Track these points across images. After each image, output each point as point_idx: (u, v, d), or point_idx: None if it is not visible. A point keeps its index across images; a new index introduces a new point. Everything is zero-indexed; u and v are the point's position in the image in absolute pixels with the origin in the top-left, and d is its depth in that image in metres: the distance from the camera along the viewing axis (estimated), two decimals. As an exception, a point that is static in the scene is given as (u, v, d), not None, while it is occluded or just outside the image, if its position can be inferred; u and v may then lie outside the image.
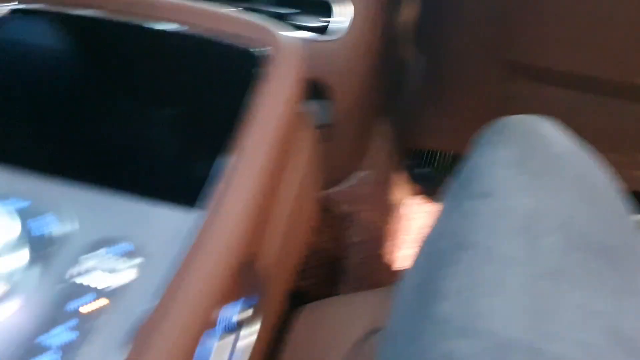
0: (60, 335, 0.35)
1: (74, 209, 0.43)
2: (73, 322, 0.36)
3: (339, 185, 0.95)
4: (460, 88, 1.03)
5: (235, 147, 0.46)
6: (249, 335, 0.48)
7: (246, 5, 0.77)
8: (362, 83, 0.84)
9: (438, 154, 1.30)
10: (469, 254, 0.46)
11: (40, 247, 0.40)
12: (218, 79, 0.51)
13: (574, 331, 0.40)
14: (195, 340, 0.39)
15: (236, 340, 0.46)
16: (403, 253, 1.14)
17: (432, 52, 1.03)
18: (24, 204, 0.42)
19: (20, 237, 0.37)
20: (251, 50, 0.51)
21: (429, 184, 1.27)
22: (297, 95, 0.51)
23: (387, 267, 1.06)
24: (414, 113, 1.15)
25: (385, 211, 1.09)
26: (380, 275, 1.03)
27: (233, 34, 0.52)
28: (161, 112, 0.50)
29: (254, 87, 0.48)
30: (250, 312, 0.46)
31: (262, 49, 0.51)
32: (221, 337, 0.43)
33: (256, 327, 0.49)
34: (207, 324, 0.41)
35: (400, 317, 0.47)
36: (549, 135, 0.56)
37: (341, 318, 0.58)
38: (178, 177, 0.45)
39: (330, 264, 0.90)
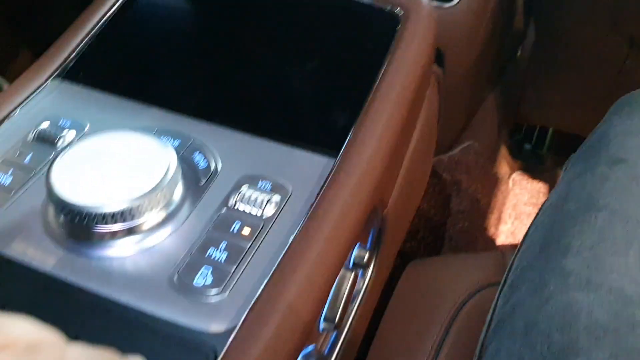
0: (212, 255, 0.39)
1: (220, 149, 0.47)
2: (223, 245, 0.40)
3: (443, 153, 0.96)
4: (574, 61, 1.00)
5: (371, 99, 0.48)
6: (367, 278, 0.51)
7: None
8: (477, 51, 0.84)
9: (549, 131, 1.27)
10: (600, 215, 0.47)
11: (191, 181, 0.44)
12: (357, 35, 0.54)
13: None
14: (333, 274, 0.42)
15: (356, 280, 0.49)
16: (505, 228, 1.13)
17: (546, 22, 1.00)
18: (175, 142, 0.47)
19: (175, 171, 0.41)
20: (389, 10, 0.53)
21: (536, 161, 1.25)
22: (429, 55, 0.53)
23: (487, 239, 1.06)
24: (524, 86, 1.13)
25: (488, 183, 1.09)
26: (479, 246, 1.03)
27: None
28: (303, 65, 0.53)
29: (390, 45, 0.51)
30: (370, 255, 0.49)
31: (400, 9, 0.54)
32: (348, 273, 0.46)
33: (370, 272, 0.51)
34: (342, 261, 0.44)
35: (524, 270, 0.48)
36: None
37: (446, 277, 0.60)
38: (317, 125, 0.49)
39: (434, 229, 0.91)
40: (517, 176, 1.23)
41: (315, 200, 0.43)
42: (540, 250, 0.48)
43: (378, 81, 0.50)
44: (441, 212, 0.92)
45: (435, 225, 0.92)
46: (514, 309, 0.45)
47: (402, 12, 0.54)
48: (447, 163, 0.95)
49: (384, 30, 0.52)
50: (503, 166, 1.20)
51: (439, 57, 0.81)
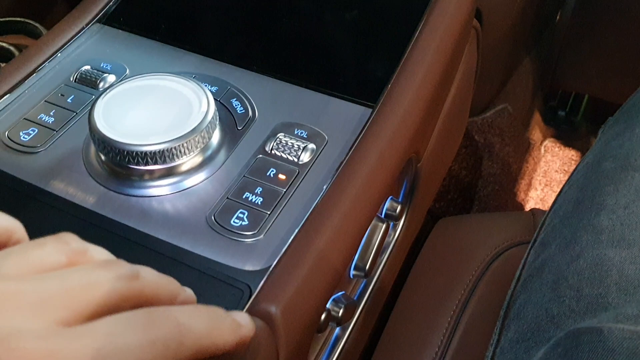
0: (249, 199, 0.40)
1: (257, 96, 0.47)
2: (259, 190, 0.41)
3: (477, 115, 0.95)
4: (616, 26, 0.98)
5: (410, 50, 0.48)
6: (398, 230, 0.51)
7: None
8: (516, 12, 0.83)
9: (584, 98, 1.25)
10: (637, 174, 0.47)
11: (229, 127, 0.45)
12: None
13: None
14: (365, 224, 0.42)
15: (387, 231, 0.50)
16: (534, 194, 1.12)
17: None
18: (213, 88, 0.47)
19: (213, 115, 0.42)
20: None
21: (569, 128, 1.23)
22: (470, 8, 0.52)
23: (516, 204, 1.06)
24: (562, 51, 1.11)
25: (521, 148, 1.08)
26: (508, 210, 1.03)
27: None
28: (341, 14, 0.53)
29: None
30: (402, 208, 0.49)
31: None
32: (380, 224, 0.47)
33: (401, 224, 0.52)
34: (374, 212, 0.44)
35: (556, 227, 0.48)
36: None
37: (475, 234, 0.60)
38: (355, 74, 0.49)
39: (463, 190, 0.91)
40: (549, 143, 1.22)
41: (350, 149, 0.43)
42: (573, 208, 0.48)
43: (418, 32, 0.49)
44: (472, 174, 0.92)
45: (466, 186, 0.91)
46: (544, 265, 0.45)
47: None
48: (480, 125, 0.94)
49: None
50: (536, 132, 1.19)
51: (477, 16, 0.80)
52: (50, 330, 0.21)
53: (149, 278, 0.25)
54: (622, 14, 0.98)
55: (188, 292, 0.28)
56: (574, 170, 0.53)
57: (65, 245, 0.25)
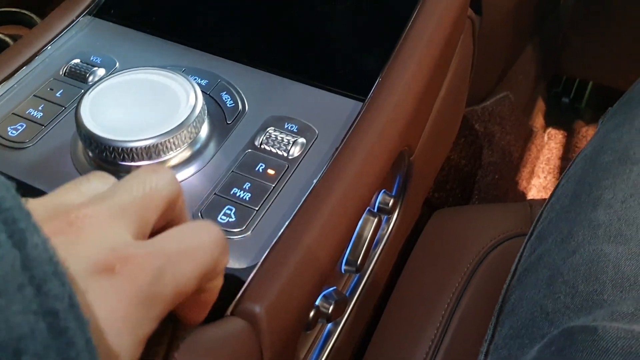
0: (237, 194, 0.40)
1: (247, 90, 0.46)
2: (247, 185, 0.40)
3: (477, 104, 0.94)
4: (621, 10, 0.96)
5: (401, 43, 0.47)
6: (392, 224, 0.51)
7: None
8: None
9: (588, 85, 1.23)
10: (635, 168, 0.46)
11: (218, 121, 0.44)
12: None
13: None
14: (354, 219, 0.42)
15: (380, 225, 0.49)
16: (537, 182, 1.12)
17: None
18: (203, 81, 0.47)
19: (201, 110, 0.41)
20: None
21: (574, 115, 1.22)
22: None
23: (518, 192, 1.05)
24: (566, 36, 1.09)
25: (522, 136, 1.06)
26: (509, 199, 1.02)
27: None
28: (332, 7, 0.52)
29: None
30: (394, 201, 0.49)
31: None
32: (372, 218, 0.46)
33: (395, 217, 0.51)
34: (364, 207, 0.44)
35: (553, 220, 0.48)
36: None
37: (471, 226, 0.59)
38: (345, 68, 0.48)
39: (464, 180, 0.90)
40: (553, 130, 1.21)
41: (340, 143, 0.42)
42: (570, 201, 0.47)
43: (409, 25, 0.48)
44: (472, 164, 0.91)
45: (465, 176, 0.90)
46: (540, 259, 0.45)
47: None
48: (480, 114, 0.93)
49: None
50: (539, 119, 1.17)
51: (477, 2, 0.79)
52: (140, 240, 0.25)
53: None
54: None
55: None
56: (572, 162, 0.53)
57: (105, 178, 0.28)
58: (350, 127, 0.43)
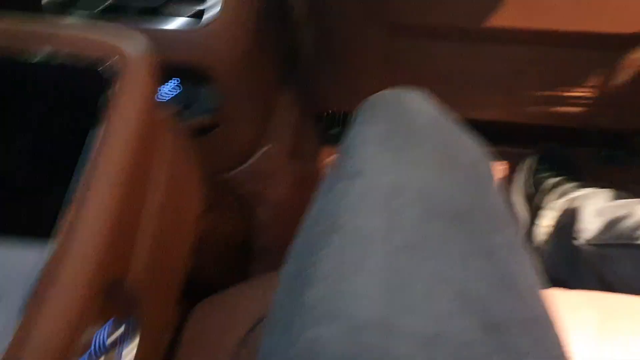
0: None
1: None
2: None
3: (240, 165, 0.94)
4: (348, 51, 1.04)
5: (86, 171, 0.45)
6: (128, 353, 0.48)
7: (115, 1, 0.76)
8: (243, 62, 0.84)
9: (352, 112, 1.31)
10: (337, 236, 0.45)
11: None
12: (64, 105, 0.49)
13: (426, 301, 0.40)
14: None
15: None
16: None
17: (321, 18, 1.03)
18: None
19: None
20: (95, 68, 0.49)
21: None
22: (149, 105, 0.50)
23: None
24: (313, 78, 1.15)
25: (296, 184, 1.09)
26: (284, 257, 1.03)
27: (74, 55, 0.50)
28: (7, 143, 0.48)
29: (102, 107, 0.47)
30: (122, 330, 0.46)
31: (108, 64, 0.50)
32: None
33: (134, 343, 0.49)
34: (75, 350, 0.41)
35: (278, 306, 0.47)
36: (414, 108, 0.57)
37: (234, 309, 0.58)
38: (26, 211, 0.44)
39: (238, 248, 0.90)
40: (333, 161, 1.25)
41: (26, 302, 0.39)
42: (292, 280, 0.47)
43: (91, 150, 0.46)
44: (244, 228, 0.91)
45: (240, 243, 0.90)
46: (271, 354, 0.44)
47: (111, 67, 0.50)
48: (244, 175, 0.93)
49: (94, 92, 0.48)
50: (312, 161, 1.21)
51: (206, 76, 0.80)
52: None
53: None
54: (351, 38, 1.05)
55: None
56: (298, 235, 0.52)
57: None
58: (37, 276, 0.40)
